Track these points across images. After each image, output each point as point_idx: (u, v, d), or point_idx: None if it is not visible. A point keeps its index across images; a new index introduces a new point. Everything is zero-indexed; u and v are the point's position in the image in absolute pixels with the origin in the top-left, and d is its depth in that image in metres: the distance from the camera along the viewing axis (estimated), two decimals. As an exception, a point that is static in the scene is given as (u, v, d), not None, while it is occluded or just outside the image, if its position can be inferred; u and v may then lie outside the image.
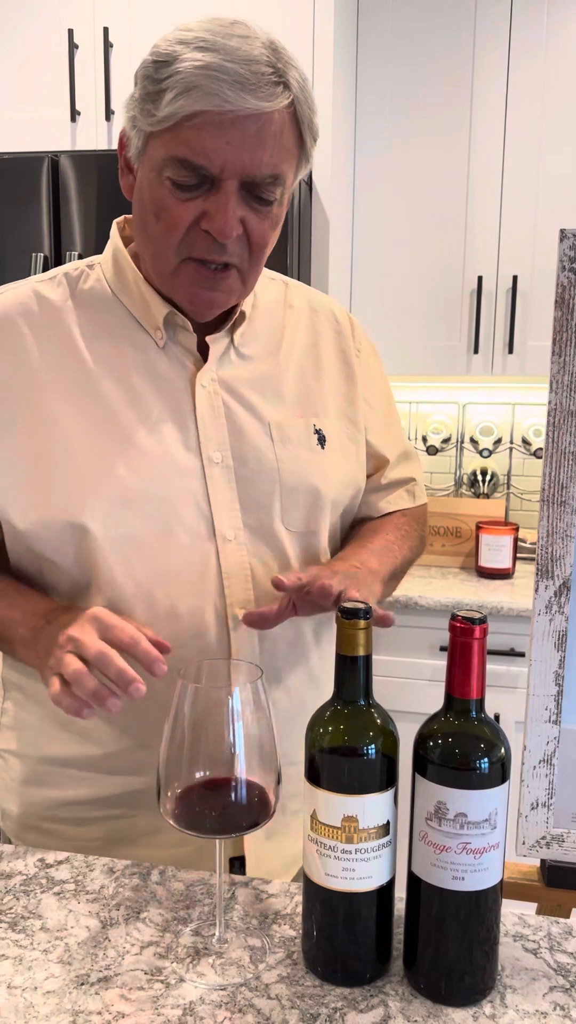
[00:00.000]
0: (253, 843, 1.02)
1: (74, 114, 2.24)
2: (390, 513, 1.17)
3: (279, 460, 1.00)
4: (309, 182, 2.20)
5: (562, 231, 0.88)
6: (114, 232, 1.04)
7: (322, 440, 1.04)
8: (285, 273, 2.06)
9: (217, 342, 1.01)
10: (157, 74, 0.87)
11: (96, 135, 2.25)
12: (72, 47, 2.21)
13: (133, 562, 0.94)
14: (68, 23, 2.22)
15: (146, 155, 0.92)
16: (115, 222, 1.05)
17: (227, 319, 1.01)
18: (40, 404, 0.95)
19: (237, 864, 1.03)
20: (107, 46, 2.20)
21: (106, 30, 2.19)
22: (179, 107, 0.85)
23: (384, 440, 1.15)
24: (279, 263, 2.06)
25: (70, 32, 2.21)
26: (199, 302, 0.95)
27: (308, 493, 1.01)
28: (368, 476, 1.14)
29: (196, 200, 0.89)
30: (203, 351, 1.01)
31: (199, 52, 0.85)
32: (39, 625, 0.92)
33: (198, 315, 0.98)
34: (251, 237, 0.92)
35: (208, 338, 1.00)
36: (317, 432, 1.04)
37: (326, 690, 1.02)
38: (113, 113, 2.22)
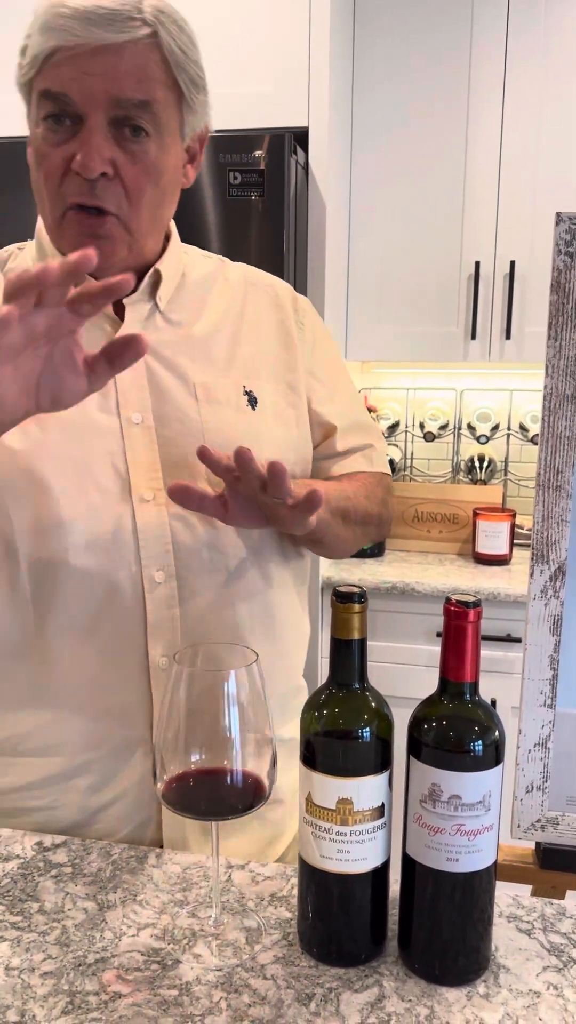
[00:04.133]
0: (176, 832, 1.00)
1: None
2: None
3: (203, 420, 0.99)
4: (306, 167, 2.19)
5: (558, 215, 0.88)
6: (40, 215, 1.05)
7: (253, 402, 1.03)
8: (281, 261, 2.07)
9: (135, 305, 1.01)
10: (27, 31, 0.92)
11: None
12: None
13: (49, 524, 0.94)
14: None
15: (29, 112, 0.95)
16: None
17: (142, 282, 1.01)
18: None
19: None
20: (102, 29, 2.18)
21: (101, 13, 2.17)
22: (38, 48, 0.90)
23: (331, 408, 1.13)
24: (276, 247, 2.05)
25: (65, 15, 2.19)
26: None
27: None
28: (317, 445, 1.13)
29: (68, 144, 0.91)
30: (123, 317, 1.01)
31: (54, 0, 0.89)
32: None
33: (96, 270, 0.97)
34: (124, 181, 0.92)
35: (124, 300, 1.00)
36: (248, 393, 1.03)
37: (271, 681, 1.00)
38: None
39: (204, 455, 0.89)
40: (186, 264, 1.07)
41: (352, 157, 2.44)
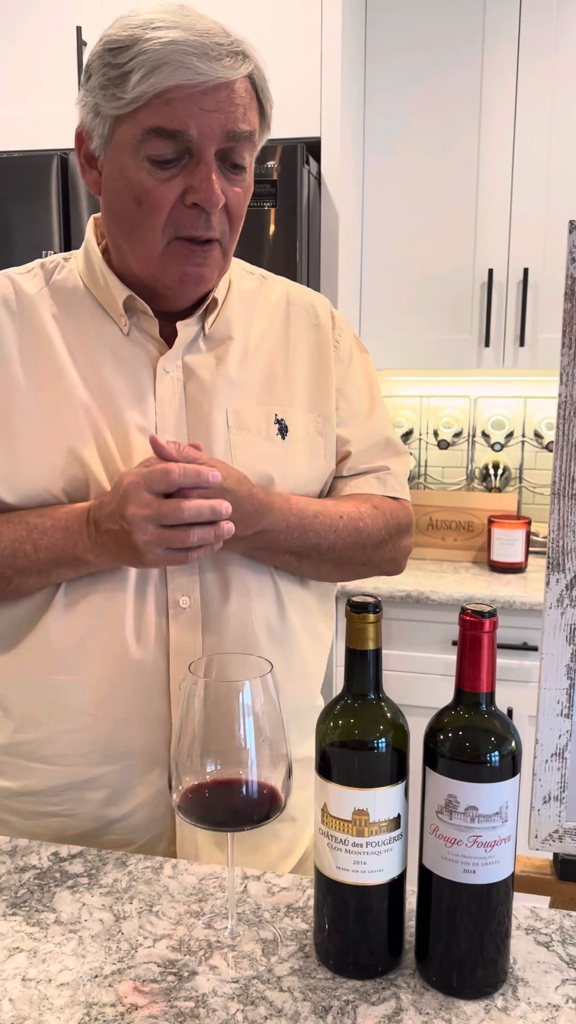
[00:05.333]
0: (189, 845, 1.00)
1: (83, 111, 2.24)
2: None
3: (232, 447, 1.00)
4: (318, 176, 2.20)
5: (571, 222, 0.88)
6: (89, 227, 1.06)
7: (283, 430, 1.04)
8: (295, 270, 2.07)
9: (187, 328, 1.02)
10: (117, 59, 0.90)
11: (105, 132, 2.25)
12: (80, 44, 2.22)
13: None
14: (76, 20, 2.22)
15: (115, 141, 0.93)
16: (92, 217, 1.07)
17: (199, 305, 1.02)
18: (11, 386, 0.98)
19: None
20: (115, 43, 2.20)
21: (114, 27, 2.19)
22: (151, 84, 0.88)
23: (352, 429, 1.10)
24: (289, 257, 2.06)
25: (78, 29, 2.21)
26: (188, 280, 0.97)
27: (259, 481, 1.00)
28: (336, 464, 1.11)
29: (177, 178, 0.92)
30: (171, 338, 1.02)
31: (160, 31, 0.88)
32: (95, 529, 0.92)
33: (184, 295, 0.99)
34: (230, 208, 0.95)
35: (179, 324, 1.01)
36: (278, 422, 1.04)
37: (284, 693, 1.01)
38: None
39: (154, 443, 0.90)
40: (230, 280, 1.08)
41: (364, 166, 2.45)
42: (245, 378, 1.04)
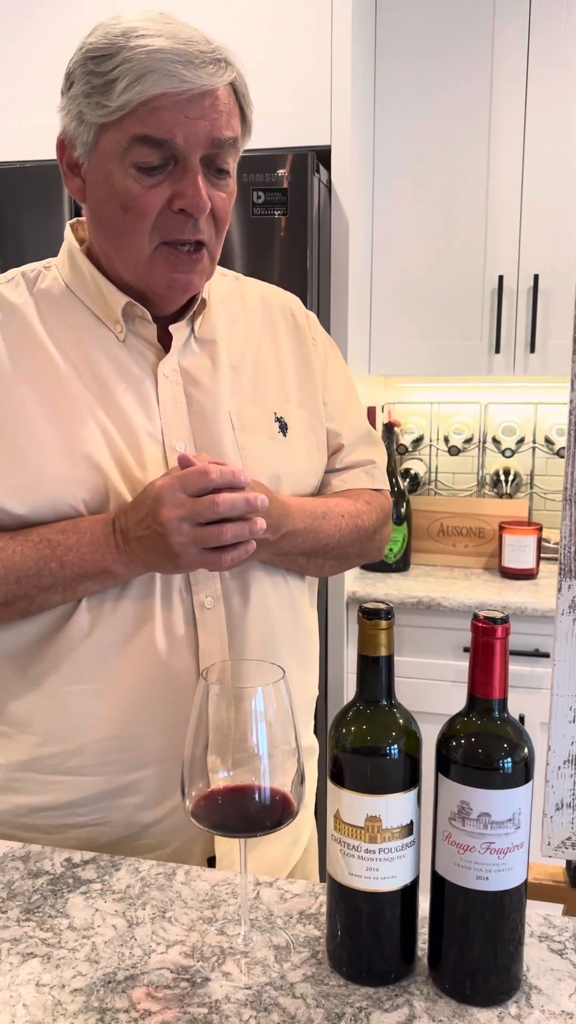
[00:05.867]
0: (225, 844, 1.01)
1: (95, 121, 2.26)
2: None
3: (241, 448, 1.01)
4: (328, 184, 2.20)
5: (582, 229, 0.88)
6: (68, 233, 1.06)
7: (284, 428, 1.05)
8: (305, 278, 2.08)
9: (180, 331, 1.03)
10: (101, 67, 0.90)
11: (116, 142, 2.26)
12: (92, 55, 2.23)
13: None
14: (85, 32, 2.23)
15: (99, 149, 0.94)
16: (68, 224, 1.07)
17: (187, 308, 1.03)
18: (11, 398, 0.97)
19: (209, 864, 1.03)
20: (127, 53, 2.21)
21: (126, 37, 2.21)
22: (136, 92, 0.89)
23: (341, 424, 1.15)
24: (299, 265, 2.06)
25: (90, 40, 2.23)
26: (176, 286, 0.98)
27: (270, 480, 1.02)
28: (328, 457, 1.15)
29: (163, 185, 0.93)
30: (163, 342, 1.02)
31: (144, 39, 0.89)
32: (122, 539, 0.92)
33: (171, 300, 1.00)
34: (216, 213, 0.96)
35: (171, 328, 1.02)
36: (278, 420, 1.05)
37: (295, 682, 1.02)
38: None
39: (184, 460, 0.91)
40: (210, 283, 1.09)
41: (374, 174, 2.45)
42: (240, 379, 1.05)
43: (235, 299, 1.11)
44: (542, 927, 0.83)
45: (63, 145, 0.98)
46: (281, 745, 0.76)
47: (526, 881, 0.74)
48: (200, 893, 0.88)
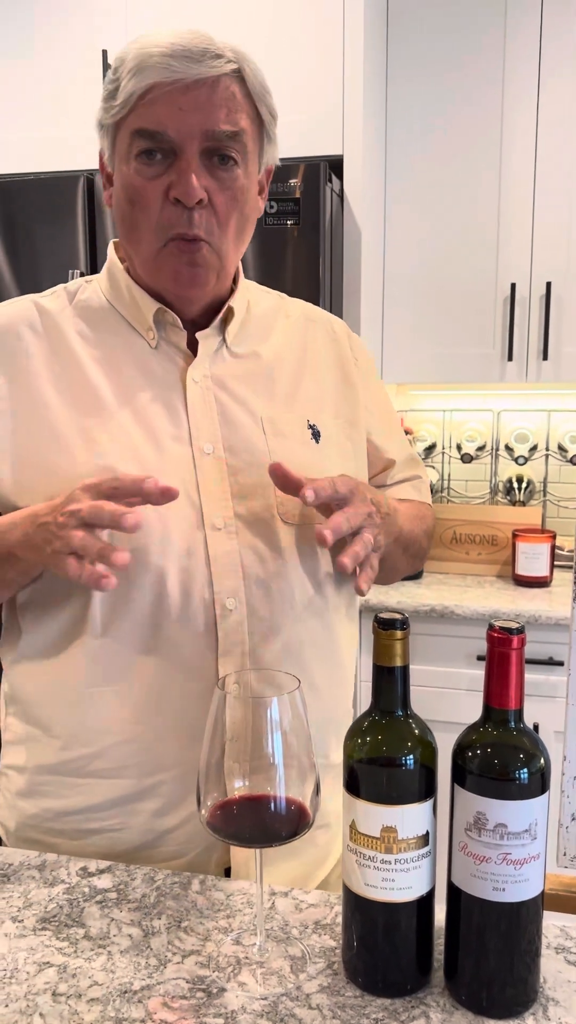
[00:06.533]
0: (242, 855, 1.00)
1: (108, 133, 2.28)
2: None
3: (272, 453, 1.01)
4: (341, 194, 2.21)
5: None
6: (111, 250, 1.10)
7: (316, 435, 1.06)
8: (317, 287, 2.09)
9: (207, 339, 1.04)
10: (114, 74, 0.96)
11: (130, 153, 2.28)
12: (106, 68, 2.25)
13: (124, 546, 0.95)
14: (101, 44, 2.26)
15: (116, 150, 0.99)
16: (111, 242, 1.11)
17: (216, 316, 1.04)
18: (38, 401, 0.99)
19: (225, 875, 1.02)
20: (140, 65, 2.23)
21: (139, 49, 2.23)
22: (133, 87, 0.93)
23: (389, 443, 1.18)
24: (312, 274, 2.07)
25: (103, 53, 2.25)
26: (182, 279, 0.99)
27: None
28: (374, 476, 1.17)
29: (162, 176, 0.95)
30: (194, 350, 1.04)
31: (146, 39, 0.93)
32: (32, 522, 0.92)
33: (185, 297, 1.01)
34: (217, 208, 0.97)
35: (199, 334, 1.03)
36: (311, 427, 1.06)
37: (323, 693, 1.00)
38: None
39: (276, 471, 0.92)
40: (249, 299, 1.10)
41: (386, 183, 2.46)
42: (273, 387, 1.06)
43: (277, 314, 1.13)
44: (559, 938, 0.83)
45: (101, 159, 1.04)
46: (297, 755, 0.76)
47: (543, 892, 0.74)
48: (215, 903, 0.88)
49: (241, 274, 1.09)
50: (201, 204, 0.95)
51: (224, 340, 1.05)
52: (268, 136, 1.02)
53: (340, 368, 1.13)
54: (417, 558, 1.17)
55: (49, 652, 1.00)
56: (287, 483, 0.93)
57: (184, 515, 0.97)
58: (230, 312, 1.05)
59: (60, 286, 1.09)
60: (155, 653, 0.97)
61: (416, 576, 2.48)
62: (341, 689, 1.10)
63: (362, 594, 0.95)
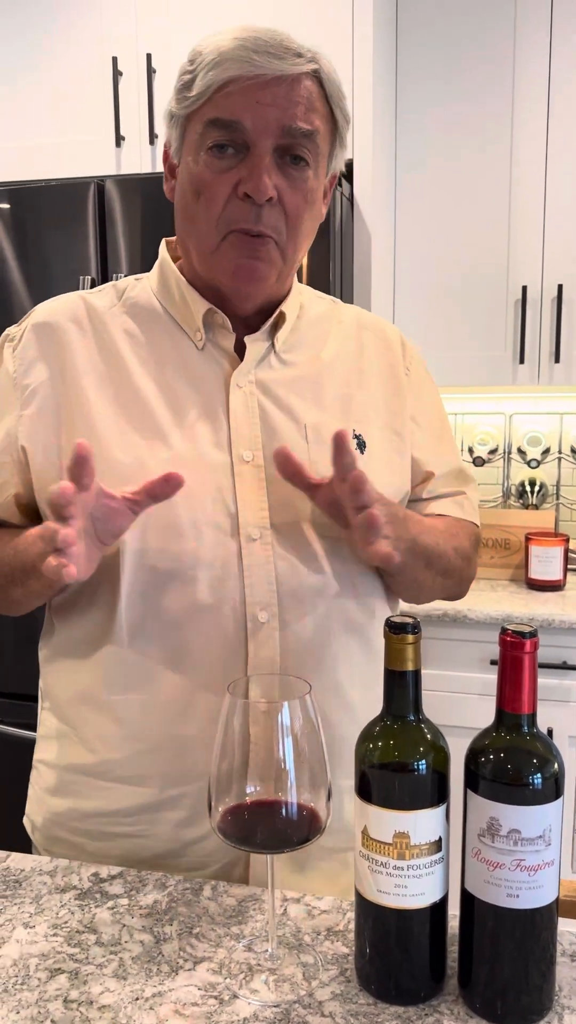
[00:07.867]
0: (261, 867, 0.99)
1: (119, 139, 2.28)
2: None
3: (312, 462, 0.98)
4: (351, 198, 2.21)
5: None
6: (163, 248, 1.08)
7: (361, 446, 1.03)
8: (328, 288, 2.08)
9: (255, 343, 1.02)
10: (189, 67, 0.95)
11: (140, 160, 2.29)
12: (116, 74, 2.26)
13: (155, 552, 0.95)
14: (112, 51, 2.27)
15: (186, 141, 0.97)
16: (164, 240, 1.09)
17: (267, 321, 1.03)
18: (80, 398, 0.99)
19: None
20: (150, 72, 2.24)
21: (149, 57, 2.24)
22: (211, 79, 0.92)
23: (431, 455, 1.12)
24: (322, 277, 2.07)
25: (114, 60, 2.26)
26: (241, 273, 0.97)
27: None
28: (413, 487, 1.12)
29: (233, 170, 0.94)
30: (242, 354, 1.02)
31: (222, 36, 0.93)
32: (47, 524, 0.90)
33: (242, 292, 0.99)
34: (286, 208, 0.95)
35: (247, 338, 1.02)
36: (356, 438, 1.03)
37: (357, 709, 0.97)
38: (156, 137, 2.26)
39: (281, 455, 0.89)
40: (302, 303, 1.09)
41: (396, 187, 2.46)
42: (320, 395, 1.04)
43: (330, 320, 1.11)
44: (574, 946, 0.82)
45: (166, 151, 1.03)
46: (308, 761, 0.75)
47: (557, 899, 0.73)
48: (227, 909, 0.88)
49: (294, 278, 1.07)
50: (271, 202, 0.93)
51: (273, 345, 1.03)
52: (340, 140, 1.01)
53: (391, 379, 1.10)
54: (447, 576, 1.08)
55: (78, 653, 1.00)
56: (287, 466, 0.90)
57: (219, 523, 0.96)
58: (281, 317, 1.03)
59: (109, 283, 1.08)
60: (182, 663, 0.96)
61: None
62: (377, 708, 1.07)
63: (386, 560, 0.89)
